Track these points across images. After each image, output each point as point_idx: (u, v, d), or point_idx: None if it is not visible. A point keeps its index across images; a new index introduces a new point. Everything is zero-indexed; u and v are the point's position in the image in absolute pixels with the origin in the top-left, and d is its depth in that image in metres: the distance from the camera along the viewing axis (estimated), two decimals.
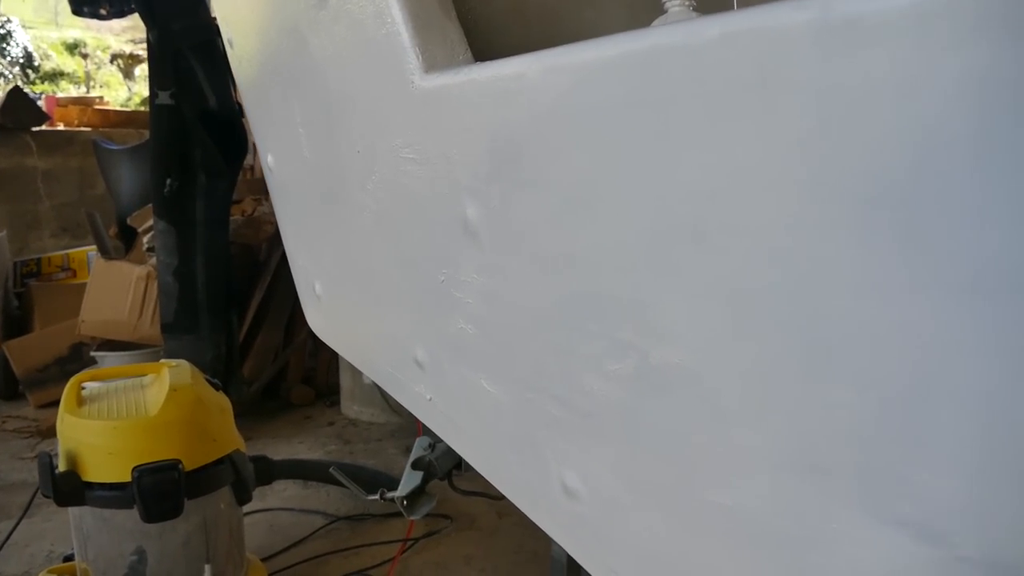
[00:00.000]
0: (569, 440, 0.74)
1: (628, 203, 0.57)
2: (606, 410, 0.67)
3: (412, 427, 2.57)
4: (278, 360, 3.58)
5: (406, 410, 1.06)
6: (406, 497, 1.45)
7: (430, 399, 0.97)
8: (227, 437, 1.68)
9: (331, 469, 1.71)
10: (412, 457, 1.50)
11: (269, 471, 1.81)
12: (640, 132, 0.54)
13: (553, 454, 0.77)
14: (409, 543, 2.19)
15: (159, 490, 1.49)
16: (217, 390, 1.75)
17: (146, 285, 3.25)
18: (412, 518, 1.48)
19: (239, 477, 1.66)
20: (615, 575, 0.74)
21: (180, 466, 1.52)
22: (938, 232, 0.40)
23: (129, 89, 11.89)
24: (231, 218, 3.35)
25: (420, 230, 0.87)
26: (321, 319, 1.32)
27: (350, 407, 3.45)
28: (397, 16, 0.79)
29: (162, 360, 1.82)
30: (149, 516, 1.48)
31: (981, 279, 0.39)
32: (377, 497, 1.50)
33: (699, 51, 0.48)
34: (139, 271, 3.31)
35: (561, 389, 0.72)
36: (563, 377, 0.71)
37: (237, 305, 3.27)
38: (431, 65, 0.78)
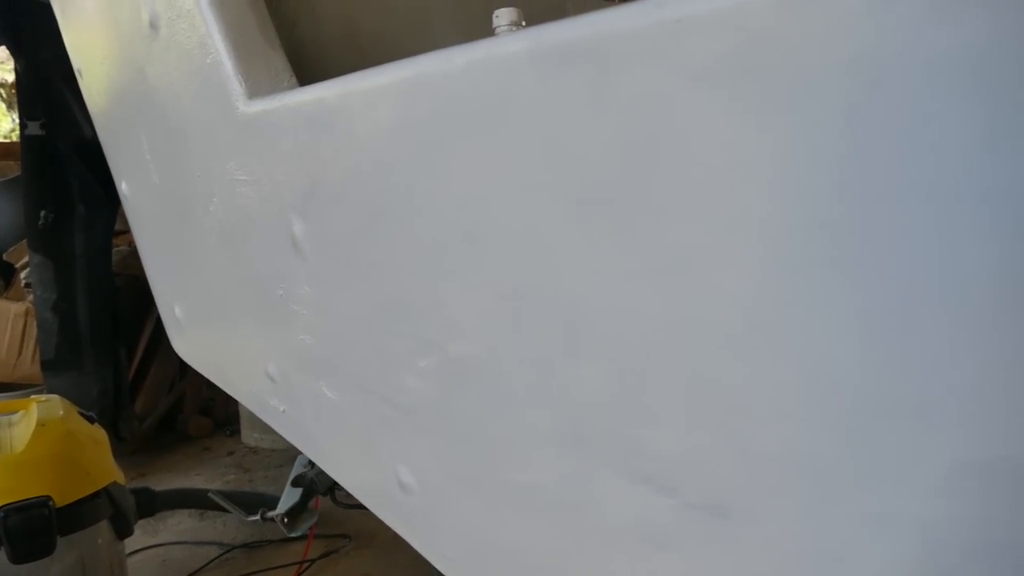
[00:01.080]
0: (398, 437, 0.79)
1: (414, 213, 0.63)
2: (423, 405, 0.73)
3: None
4: (173, 392, 3.49)
5: None
6: (286, 515, 1.46)
7: (283, 411, 1.01)
8: (102, 470, 1.65)
9: (209, 493, 1.71)
10: (292, 474, 1.52)
11: (151, 502, 1.79)
12: (414, 150, 0.60)
13: (387, 452, 0.82)
14: (306, 565, 2.19)
15: (27, 529, 1.45)
16: (92, 423, 1.72)
17: (25, 323, 3.12)
18: (292, 535, 1.49)
19: (118, 510, 1.63)
20: (450, 562, 0.80)
21: (50, 503, 1.49)
22: (640, 226, 0.47)
23: (13, 120, 11.34)
24: (118, 248, 3.26)
25: (258, 248, 0.91)
26: (184, 342, 1.33)
27: (250, 435, 3.40)
28: (219, 45, 0.83)
29: (31, 396, 1.78)
30: (17, 557, 1.45)
31: (673, 264, 0.46)
32: (257, 517, 1.50)
33: (451, 77, 0.55)
34: (16, 308, 3.17)
35: (386, 389, 0.77)
36: (386, 377, 0.76)
37: (126, 338, 3.18)
38: (254, 91, 0.83)
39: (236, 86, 0.83)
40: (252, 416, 3.39)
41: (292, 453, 3.24)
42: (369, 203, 0.67)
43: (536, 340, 0.57)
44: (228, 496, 1.70)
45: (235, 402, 3.53)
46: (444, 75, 0.54)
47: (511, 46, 0.50)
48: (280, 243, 0.84)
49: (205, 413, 3.64)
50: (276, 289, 0.89)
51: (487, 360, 0.64)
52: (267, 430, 3.35)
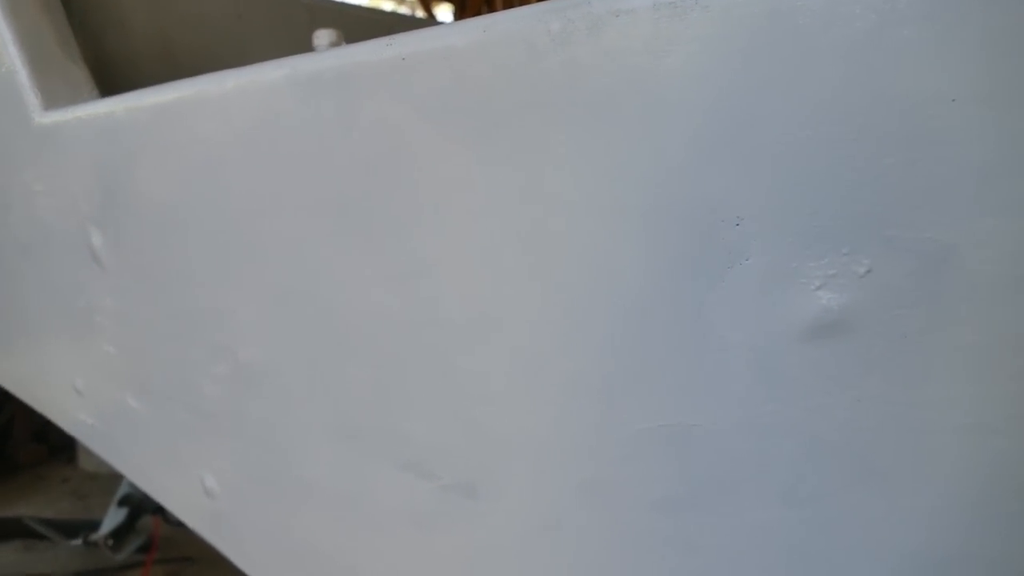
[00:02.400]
0: (201, 443, 0.81)
1: (199, 225, 0.66)
2: (220, 410, 0.75)
3: None
4: (0, 416, 3.25)
5: None
6: (110, 536, 1.41)
7: (92, 424, 0.99)
8: None
9: (23, 519, 1.62)
10: (119, 494, 1.47)
11: None
12: (195, 164, 0.63)
13: (192, 458, 0.83)
14: None
15: None
16: None
17: None
18: (118, 558, 1.44)
19: None
20: (252, 562, 0.82)
21: None
22: (383, 237, 0.53)
23: None
24: None
25: (59, 260, 0.90)
26: None
27: (89, 460, 3.21)
28: (14, 57, 0.83)
29: None
30: None
31: (412, 270, 0.52)
32: (80, 541, 1.45)
33: (225, 98, 0.59)
34: None
35: (187, 396, 0.79)
36: (186, 384, 0.78)
37: None
38: (51, 103, 0.83)
39: (31, 97, 0.82)
40: None
41: None
42: (160, 215, 0.70)
43: (306, 342, 0.61)
44: (48, 522, 1.62)
45: None
46: (219, 95, 0.58)
47: (273, 73, 0.55)
48: (80, 255, 0.84)
49: (39, 439, 3.40)
50: (78, 301, 0.89)
51: (269, 363, 0.67)
52: None
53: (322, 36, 1.12)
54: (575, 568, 0.52)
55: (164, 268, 0.73)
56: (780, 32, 0.35)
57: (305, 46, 0.99)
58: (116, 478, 3.11)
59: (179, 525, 1.68)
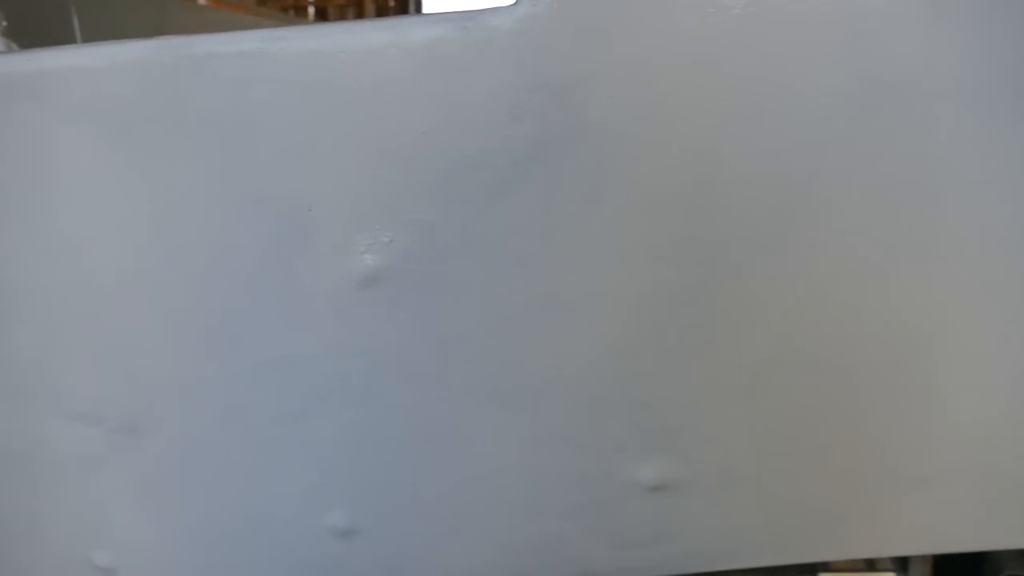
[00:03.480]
0: None
1: None
2: None
3: None
4: None
5: None
6: None
7: None
8: None
9: None
10: None
11: None
12: None
13: None
14: None
15: None
16: None
17: None
18: None
19: None
20: None
21: None
22: (37, 218, 0.62)
23: None
24: None
25: None
26: None
27: None
28: None
29: None
30: None
31: (64, 246, 0.62)
32: None
33: None
34: None
35: None
36: None
37: None
38: None
39: None
40: None
41: None
42: None
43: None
44: None
45: None
46: None
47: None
48: None
49: None
50: None
51: None
52: None
53: None
54: (222, 478, 0.66)
55: None
56: (341, 79, 0.52)
57: None
58: None
59: None
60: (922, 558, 0.99)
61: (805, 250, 0.50)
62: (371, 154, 0.52)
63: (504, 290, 0.54)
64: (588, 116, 0.47)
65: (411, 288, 0.55)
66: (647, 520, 0.61)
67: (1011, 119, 0.45)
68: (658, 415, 0.57)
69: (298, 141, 0.53)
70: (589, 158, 0.48)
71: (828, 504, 0.57)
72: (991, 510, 0.54)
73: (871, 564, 1.02)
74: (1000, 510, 0.53)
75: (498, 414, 0.59)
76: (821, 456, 0.56)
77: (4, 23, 1.13)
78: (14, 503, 0.77)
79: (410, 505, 0.65)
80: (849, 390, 0.54)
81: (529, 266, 0.53)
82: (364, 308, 0.57)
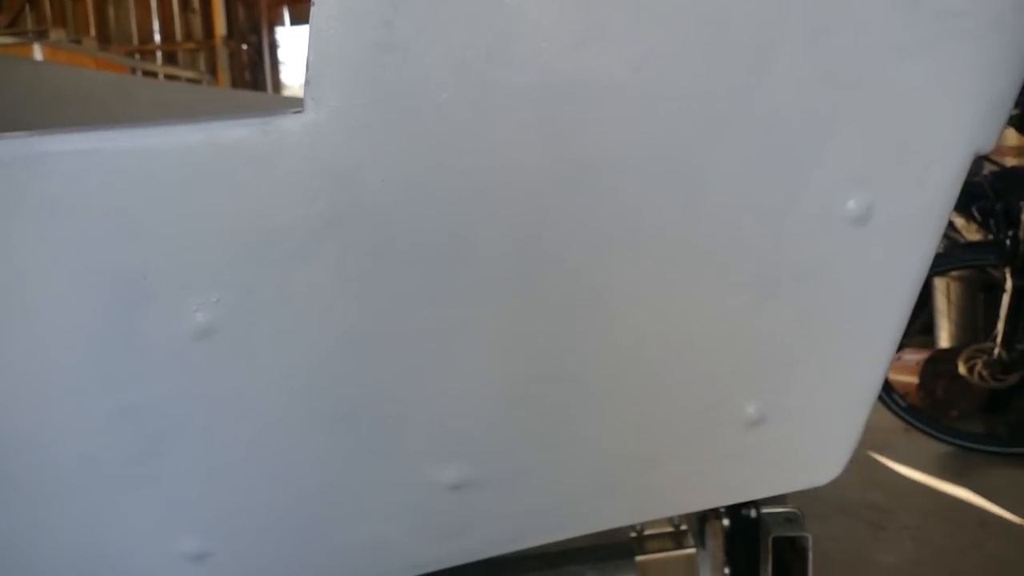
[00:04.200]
0: None
1: None
2: None
3: None
4: None
5: None
6: None
7: None
8: None
9: None
10: None
11: None
12: None
13: None
14: None
15: None
16: None
17: None
18: None
19: None
20: None
21: None
22: None
23: None
24: None
25: None
26: None
27: None
28: None
29: None
30: None
31: None
32: None
33: None
34: None
35: None
36: None
37: None
38: None
39: None
40: None
41: None
42: None
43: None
44: None
45: None
46: None
47: None
48: None
49: None
50: None
51: None
52: None
53: None
54: (80, 519, 0.74)
55: None
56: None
57: None
58: None
59: None
60: (714, 531, 1.18)
61: (559, 279, 0.66)
62: (195, 231, 0.64)
63: (315, 334, 0.66)
64: (366, 194, 0.61)
65: (238, 338, 0.67)
66: (453, 514, 0.74)
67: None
68: (451, 425, 0.70)
69: (130, 222, 0.64)
70: (370, 224, 0.62)
71: (589, 485, 0.73)
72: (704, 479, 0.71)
73: (679, 542, 1.20)
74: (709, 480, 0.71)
75: (321, 437, 0.70)
76: (580, 446, 0.72)
77: None
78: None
79: (254, 524, 0.75)
80: (593, 392, 0.70)
81: (333, 313, 0.66)
82: (200, 357, 0.67)
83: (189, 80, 9.05)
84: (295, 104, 0.71)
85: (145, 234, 0.64)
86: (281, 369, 0.68)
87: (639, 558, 1.15)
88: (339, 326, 0.66)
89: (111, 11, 9.81)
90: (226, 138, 0.61)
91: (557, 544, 0.88)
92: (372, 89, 0.60)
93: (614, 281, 0.64)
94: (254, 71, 9.89)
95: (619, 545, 1.12)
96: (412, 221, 0.62)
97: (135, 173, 0.63)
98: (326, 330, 0.67)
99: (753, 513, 1.03)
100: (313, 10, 0.61)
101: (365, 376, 0.68)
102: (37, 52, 6.40)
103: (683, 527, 1.14)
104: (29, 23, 9.89)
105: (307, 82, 0.61)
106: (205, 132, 0.62)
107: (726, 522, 1.07)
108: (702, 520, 1.12)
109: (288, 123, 0.60)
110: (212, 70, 9.44)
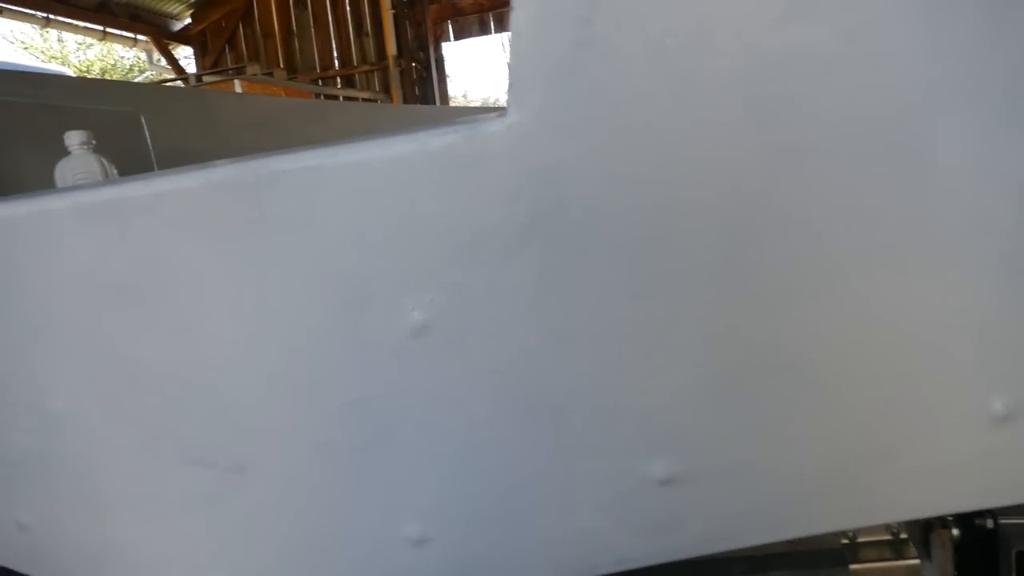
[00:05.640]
0: (13, 487, 0.99)
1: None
2: (29, 457, 0.95)
3: None
4: None
5: None
6: None
7: None
8: None
9: None
10: None
11: None
12: None
13: (2, 501, 1.01)
14: None
15: None
16: None
17: None
18: None
19: None
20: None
21: None
22: (173, 307, 0.79)
23: None
24: None
25: None
26: None
27: None
28: None
29: None
30: None
31: (187, 327, 0.79)
32: None
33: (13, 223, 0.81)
34: None
35: None
36: None
37: None
38: None
39: None
40: None
41: None
42: None
43: (109, 389, 0.85)
44: None
45: None
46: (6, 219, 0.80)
47: (59, 203, 0.79)
48: None
49: None
50: None
51: (74, 412, 0.89)
52: None
53: (73, 137, 1.34)
54: (313, 503, 0.81)
55: None
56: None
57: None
58: None
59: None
60: (941, 542, 1.08)
61: (774, 266, 0.63)
62: (409, 235, 0.68)
63: (523, 329, 0.68)
64: (569, 191, 0.62)
65: (451, 334, 0.70)
66: (662, 510, 0.74)
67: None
68: (660, 419, 0.70)
69: (353, 231, 0.69)
70: (573, 221, 0.63)
71: (807, 483, 0.69)
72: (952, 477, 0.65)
73: (898, 551, 1.11)
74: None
75: (530, 429, 0.72)
76: (798, 442, 0.68)
77: (93, 142, 1.34)
78: (146, 537, 0.93)
79: (469, 513, 0.79)
80: (813, 386, 0.67)
81: (540, 309, 0.67)
82: (416, 353, 0.72)
83: (366, 100, 9.67)
84: (466, 114, 0.73)
85: (365, 240, 0.69)
86: (491, 364, 0.71)
87: (854, 566, 1.07)
88: (546, 321, 0.68)
89: (296, 44, 10.70)
90: (435, 145, 0.65)
91: (760, 547, 0.84)
92: (573, 87, 0.61)
93: (833, 266, 0.61)
94: (423, 86, 10.39)
95: (831, 551, 1.06)
96: (617, 215, 0.62)
97: (355, 184, 0.68)
98: (533, 325, 0.68)
99: (990, 523, 0.93)
100: (512, 15, 0.63)
101: (573, 370, 0.69)
102: (237, 86, 7.11)
103: (903, 535, 1.06)
104: (229, 61, 11.04)
105: (509, 85, 0.63)
106: (415, 142, 0.66)
107: (956, 532, 0.97)
108: (926, 528, 1.03)
109: (492, 126, 0.62)
110: (386, 88, 10.04)
